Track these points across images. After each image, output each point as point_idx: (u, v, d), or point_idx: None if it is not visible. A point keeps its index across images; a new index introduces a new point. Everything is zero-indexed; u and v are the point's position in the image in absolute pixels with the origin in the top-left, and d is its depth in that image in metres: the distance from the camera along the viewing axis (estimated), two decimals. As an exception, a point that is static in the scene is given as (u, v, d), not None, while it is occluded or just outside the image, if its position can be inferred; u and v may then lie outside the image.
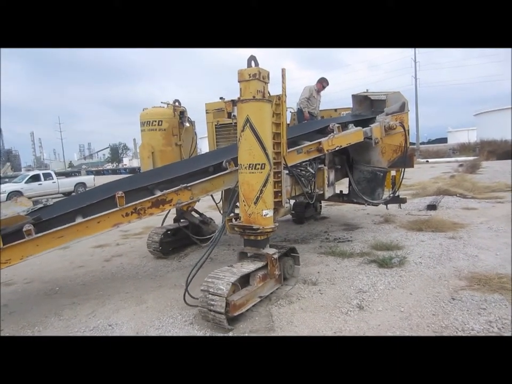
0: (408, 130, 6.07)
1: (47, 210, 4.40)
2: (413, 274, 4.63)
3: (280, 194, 4.09)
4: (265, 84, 3.87)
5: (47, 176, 22.83)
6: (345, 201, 6.84)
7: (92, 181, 24.97)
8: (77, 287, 5.33)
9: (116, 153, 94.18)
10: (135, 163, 74.84)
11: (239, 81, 3.82)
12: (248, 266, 3.76)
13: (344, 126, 5.62)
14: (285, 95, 3.98)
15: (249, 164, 3.78)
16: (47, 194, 22.17)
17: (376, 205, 6.60)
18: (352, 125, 5.56)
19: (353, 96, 6.63)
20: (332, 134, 5.21)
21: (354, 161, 6.35)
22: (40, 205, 4.38)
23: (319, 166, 5.28)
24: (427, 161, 31.57)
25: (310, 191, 5.06)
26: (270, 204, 3.91)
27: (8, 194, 20.87)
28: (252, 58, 3.80)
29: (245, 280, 3.76)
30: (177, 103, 6.32)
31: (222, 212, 5.29)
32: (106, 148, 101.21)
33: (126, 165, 77.82)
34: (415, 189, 13.17)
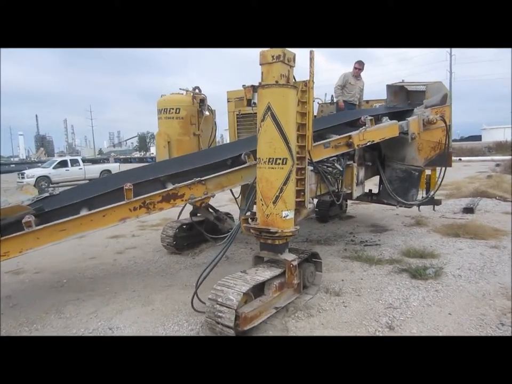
0: (450, 125, 5.44)
1: (52, 200, 4.12)
2: (451, 290, 4.08)
3: (303, 193, 3.63)
4: (290, 68, 3.40)
5: (74, 163, 23.17)
6: (374, 201, 6.29)
7: (117, 168, 25.13)
8: (84, 280, 5.07)
9: (144, 142, 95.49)
10: (162, 152, 75.49)
11: (260, 64, 3.37)
12: (264, 274, 3.34)
13: (377, 119, 5.07)
14: (313, 80, 3.49)
15: (269, 158, 3.34)
16: (74, 180, 22.49)
17: (410, 207, 6.02)
18: (387, 118, 5.00)
19: (388, 86, 6.03)
20: (363, 127, 4.69)
21: (386, 158, 5.79)
22: (46, 194, 4.11)
23: (348, 163, 4.76)
24: (460, 159, 30.04)
25: (336, 190, 4.56)
26: (291, 204, 3.46)
27: (37, 179, 21.31)
28: (277, 38, 3.33)
29: (259, 289, 3.35)
30: (197, 90, 5.93)
31: (239, 208, 4.88)
32: (135, 136, 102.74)
33: (152, 153, 78.73)
34: (449, 189, 12.30)
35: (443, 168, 5.57)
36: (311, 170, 4.04)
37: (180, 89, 5.74)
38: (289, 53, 3.36)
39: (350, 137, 4.55)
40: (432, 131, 5.25)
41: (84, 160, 27.45)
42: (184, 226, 6.20)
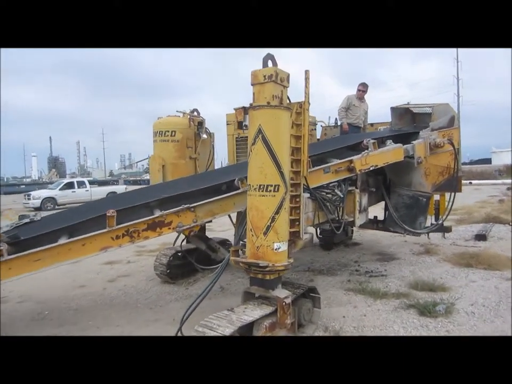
0: (459, 149, 5.14)
1: (32, 227, 3.87)
2: (464, 330, 3.67)
3: (298, 223, 3.33)
4: (284, 88, 3.17)
5: (81, 184, 23.22)
6: (380, 229, 5.93)
7: (123, 190, 25.11)
8: (68, 312, 4.77)
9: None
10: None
11: (252, 84, 3.15)
12: (252, 313, 3.00)
13: (381, 142, 4.80)
14: (308, 101, 3.25)
15: (260, 185, 3.06)
16: (80, 202, 22.37)
17: (418, 235, 5.66)
18: (391, 141, 4.73)
19: (393, 109, 5.78)
20: (366, 151, 4.41)
21: (392, 183, 5.48)
22: (26, 220, 3.87)
23: (350, 189, 4.46)
24: (470, 182, 29.46)
25: (337, 218, 4.25)
26: (284, 235, 3.15)
27: (43, 200, 21.33)
28: (269, 57, 3.12)
29: (247, 329, 3.00)
30: (195, 113, 5.76)
31: (234, 236, 4.58)
32: (145, 158, 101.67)
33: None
34: (459, 214, 11.83)
35: (452, 194, 5.23)
36: (308, 197, 3.75)
37: (177, 111, 5.58)
38: (283, 73, 3.14)
39: (351, 161, 4.27)
40: (439, 155, 4.94)
41: (92, 182, 27.56)
42: (179, 254, 5.90)
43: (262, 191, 3.05)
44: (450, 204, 5.27)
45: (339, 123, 7.05)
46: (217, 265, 4.17)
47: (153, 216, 3.72)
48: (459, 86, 46.08)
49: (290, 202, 3.23)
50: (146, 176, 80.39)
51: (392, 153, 4.56)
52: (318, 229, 7.72)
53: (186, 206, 3.78)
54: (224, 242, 6.58)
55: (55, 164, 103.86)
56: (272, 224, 3.05)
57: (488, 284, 5.12)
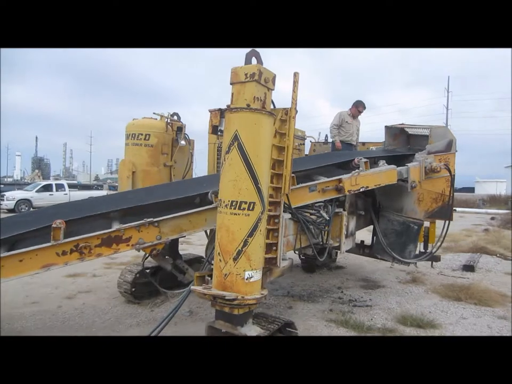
0: (454, 175, 4.77)
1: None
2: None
3: (275, 248, 2.85)
4: (268, 91, 2.74)
5: (60, 187, 22.27)
6: (366, 255, 5.50)
7: (104, 196, 24.33)
8: (8, 335, 4.14)
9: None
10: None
11: (231, 84, 2.71)
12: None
13: (373, 162, 4.40)
14: (295, 108, 2.81)
15: (232, 202, 2.59)
16: (57, 205, 21.53)
17: (407, 265, 5.24)
18: (384, 161, 4.33)
19: (387, 128, 5.42)
20: (356, 170, 4.00)
21: (382, 207, 5.07)
22: None
23: (337, 211, 4.02)
24: (455, 209, 29.53)
25: (321, 243, 3.79)
26: (257, 262, 2.67)
27: (17, 202, 20.33)
28: (253, 53, 2.70)
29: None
30: (175, 117, 5.29)
31: (205, 256, 4.07)
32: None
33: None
34: (446, 241, 11.48)
35: (446, 222, 4.85)
36: (289, 218, 3.29)
37: (154, 113, 5.10)
38: (268, 73, 2.72)
39: (340, 181, 3.85)
40: (434, 180, 4.56)
41: (73, 186, 26.56)
42: (147, 271, 5.34)
43: (234, 208, 2.57)
44: (444, 232, 4.87)
45: (330, 140, 6.68)
46: (182, 290, 3.65)
47: (108, 230, 3.20)
48: (448, 115, 47.06)
49: (267, 224, 2.76)
50: (132, 183, 79.32)
51: (384, 174, 4.16)
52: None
53: (149, 220, 3.27)
54: (198, 260, 6.04)
55: (40, 165, 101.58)
56: (244, 249, 2.57)
57: (480, 322, 4.71)
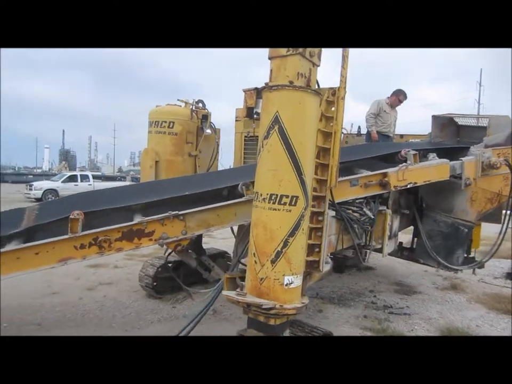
0: (514, 172, 4.22)
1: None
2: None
3: (318, 249, 2.47)
4: (313, 66, 2.35)
5: (84, 178, 22.59)
6: (406, 258, 5.04)
7: (127, 187, 24.53)
8: (29, 327, 3.96)
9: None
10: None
11: (269, 58, 2.34)
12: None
13: (422, 156, 3.93)
14: (345, 87, 2.41)
15: (271, 195, 2.22)
16: (82, 195, 21.84)
17: (455, 272, 4.76)
18: (435, 155, 3.86)
19: (434, 117, 4.90)
20: (403, 164, 3.56)
21: (426, 205, 4.59)
22: None
23: (380, 209, 3.60)
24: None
25: (363, 244, 3.39)
26: (299, 266, 2.30)
27: (44, 191, 20.72)
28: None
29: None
30: (200, 105, 4.96)
31: (233, 254, 3.74)
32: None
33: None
34: (482, 245, 10.79)
35: (504, 225, 4.33)
36: (333, 216, 2.90)
37: (178, 100, 4.78)
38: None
39: (385, 175, 3.42)
40: (491, 178, 4.05)
41: (97, 177, 26.91)
42: (170, 265, 5.07)
43: (274, 203, 2.21)
44: (501, 238, 4.36)
45: (368, 130, 6.20)
46: (207, 290, 3.34)
47: (130, 223, 2.90)
48: (480, 110, 45.13)
49: (310, 222, 2.38)
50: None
51: (435, 169, 3.69)
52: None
53: (174, 213, 2.95)
54: (222, 255, 5.74)
55: (66, 157, 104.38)
56: (284, 250, 2.21)
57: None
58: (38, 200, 19.98)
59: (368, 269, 7.46)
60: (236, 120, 5.38)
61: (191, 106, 4.70)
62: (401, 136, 6.37)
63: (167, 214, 2.95)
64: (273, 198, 2.21)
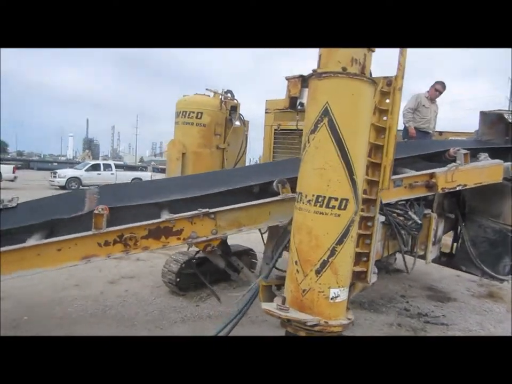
0: None
1: (3, 217, 2.94)
2: None
3: (366, 259, 2.21)
4: (368, 52, 2.08)
5: (107, 167, 22.80)
6: (444, 264, 4.71)
7: (149, 177, 24.57)
8: (49, 321, 3.86)
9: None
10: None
11: (320, 43, 2.06)
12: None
13: (471, 155, 3.60)
14: (403, 76, 2.12)
15: (317, 197, 1.97)
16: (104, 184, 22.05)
17: (500, 282, 4.41)
18: (486, 155, 3.51)
19: (482, 114, 4.52)
20: (453, 164, 3.24)
21: (471, 209, 4.25)
22: None
23: (425, 212, 3.30)
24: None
25: (409, 251, 3.10)
26: (345, 278, 2.05)
27: (68, 179, 21.00)
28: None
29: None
30: (229, 95, 4.72)
31: (263, 256, 3.52)
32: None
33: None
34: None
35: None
36: (381, 221, 2.62)
37: (207, 89, 4.55)
38: (370, 29, 2.04)
39: (433, 175, 3.12)
40: (548, 181, 3.68)
41: (119, 166, 27.15)
42: (193, 261, 4.90)
43: (321, 205, 1.95)
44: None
45: (405, 125, 5.84)
46: (238, 293, 3.14)
47: (157, 220, 2.70)
48: (510, 107, 43.27)
49: (359, 227, 2.12)
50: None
51: (488, 171, 3.36)
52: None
53: (204, 210, 2.74)
54: (247, 253, 5.53)
55: (90, 146, 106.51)
56: (330, 260, 1.96)
57: None
58: (62, 187, 20.31)
59: (397, 272, 7.10)
60: (266, 113, 5.12)
61: (220, 97, 4.47)
62: (440, 133, 5.98)
63: (196, 211, 2.74)
64: (320, 200, 1.96)
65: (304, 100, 2.14)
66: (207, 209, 2.75)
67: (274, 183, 2.97)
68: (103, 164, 23.04)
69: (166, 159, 4.59)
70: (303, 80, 2.12)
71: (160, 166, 64.12)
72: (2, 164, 20.99)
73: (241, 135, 4.86)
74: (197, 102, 4.44)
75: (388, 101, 2.16)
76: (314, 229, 1.98)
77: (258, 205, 2.90)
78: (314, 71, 2.03)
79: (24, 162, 37.62)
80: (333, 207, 1.94)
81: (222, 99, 4.48)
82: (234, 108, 4.71)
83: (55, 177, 21.08)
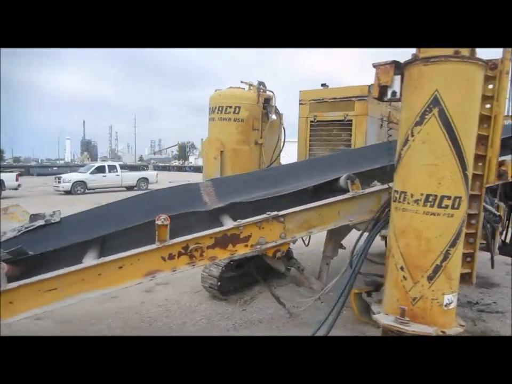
0: None
1: (47, 234, 2.74)
2: None
3: (470, 259, 2.02)
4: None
5: (112, 169, 22.40)
6: (501, 253, 4.51)
7: (154, 177, 24.32)
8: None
9: (184, 151, 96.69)
10: (200, 162, 75.57)
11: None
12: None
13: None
14: (510, 58, 1.91)
15: (427, 196, 1.77)
16: (110, 186, 21.77)
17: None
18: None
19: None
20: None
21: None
22: (40, 222, 2.72)
23: (496, 202, 3.11)
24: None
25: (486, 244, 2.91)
26: (457, 282, 1.87)
27: (73, 183, 20.69)
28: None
29: None
30: (261, 87, 4.49)
31: (323, 256, 3.33)
32: (175, 145, 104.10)
33: (191, 163, 79.14)
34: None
35: None
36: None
37: (242, 82, 4.31)
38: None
39: (502, 163, 2.90)
40: None
41: (123, 167, 26.87)
42: (231, 263, 4.71)
43: (432, 205, 1.76)
44: None
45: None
46: (307, 299, 2.98)
47: (224, 228, 2.51)
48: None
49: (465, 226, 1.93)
50: (175, 163, 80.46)
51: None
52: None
53: (273, 214, 2.55)
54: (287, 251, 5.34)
55: (88, 147, 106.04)
56: (443, 264, 1.77)
57: None
58: (67, 193, 20.02)
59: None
60: (300, 104, 4.89)
61: (256, 89, 4.22)
62: None
63: (265, 215, 2.55)
64: (430, 200, 1.76)
65: (397, 89, 1.93)
66: (276, 212, 2.56)
67: (341, 180, 2.79)
68: (108, 166, 22.68)
69: (202, 158, 4.36)
70: (396, 67, 1.91)
71: (160, 164, 63.98)
72: (3, 172, 20.57)
73: (277, 129, 4.64)
74: (233, 96, 4.20)
75: (491, 86, 1.94)
76: (425, 231, 1.79)
77: (328, 204, 2.71)
78: (414, 55, 1.81)
79: (24, 169, 37.10)
80: (446, 206, 1.75)
81: (259, 92, 4.24)
82: (268, 101, 4.48)
83: (59, 182, 20.67)
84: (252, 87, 4.26)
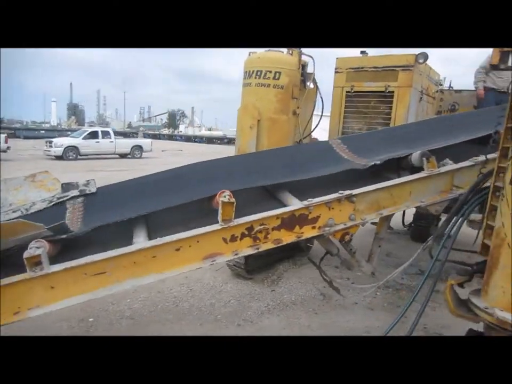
0: None
1: (85, 205, 2.38)
2: None
3: None
4: None
5: (106, 135, 21.65)
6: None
7: (149, 145, 23.63)
8: (119, 322, 3.41)
9: (174, 119, 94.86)
10: (190, 131, 74.12)
11: None
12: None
13: None
14: None
15: None
16: (103, 153, 21.12)
17: None
18: None
19: None
20: None
21: None
22: (75, 192, 2.35)
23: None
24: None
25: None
26: None
27: (65, 148, 19.94)
28: None
29: None
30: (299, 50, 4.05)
31: (376, 236, 3.07)
32: (165, 113, 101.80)
33: (181, 131, 77.62)
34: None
35: None
36: None
37: (280, 44, 3.86)
38: None
39: None
40: None
41: (116, 133, 25.98)
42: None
43: None
44: None
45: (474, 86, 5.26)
46: (371, 285, 2.74)
47: (292, 208, 2.20)
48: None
49: None
50: (165, 131, 78.57)
51: None
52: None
53: (346, 192, 2.24)
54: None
55: (75, 111, 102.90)
56: None
57: None
58: (58, 158, 19.37)
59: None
60: (336, 72, 4.49)
61: (298, 54, 3.77)
62: None
63: (337, 194, 2.24)
64: None
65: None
66: (349, 191, 2.25)
67: (415, 156, 2.48)
68: (102, 131, 21.88)
69: (237, 128, 3.97)
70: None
71: (149, 132, 62.40)
72: (-8, 133, 19.68)
73: (313, 99, 4.24)
74: (274, 60, 3.75)
75: None
76: None
77: (400, 184, 2.42)
78: None
79: (11, 131, 35.62)
80: None
81: (300, 56, 3.80)
82: (304, 67, 4.06)
83: (51, 146, 19.91)
84: (294, 52, 3.82)
